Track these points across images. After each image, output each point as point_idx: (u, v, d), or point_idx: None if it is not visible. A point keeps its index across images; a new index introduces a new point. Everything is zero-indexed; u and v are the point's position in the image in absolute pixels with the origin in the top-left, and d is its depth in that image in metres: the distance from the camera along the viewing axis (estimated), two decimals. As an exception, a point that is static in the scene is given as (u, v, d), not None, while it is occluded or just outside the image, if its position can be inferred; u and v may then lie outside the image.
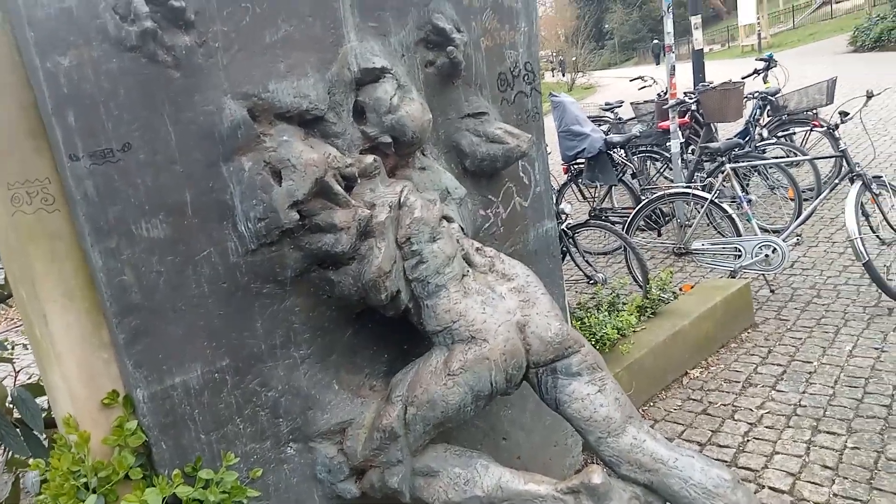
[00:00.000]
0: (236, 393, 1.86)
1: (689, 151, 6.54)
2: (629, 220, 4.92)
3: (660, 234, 5.98)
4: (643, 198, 5.95)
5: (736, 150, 4.71)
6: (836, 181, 4.18)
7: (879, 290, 4.13)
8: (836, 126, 4.22)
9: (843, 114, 4.20)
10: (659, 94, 8.69)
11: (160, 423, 1.72)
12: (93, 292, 1.63)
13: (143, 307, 1.66)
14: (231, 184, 1.74)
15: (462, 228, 2.12)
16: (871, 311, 4.03)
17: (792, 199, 5.55)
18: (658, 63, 27.84)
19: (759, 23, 26.24)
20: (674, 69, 5.54)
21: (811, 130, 4.58)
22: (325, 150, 1.84)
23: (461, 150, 2.27)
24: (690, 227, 5.68)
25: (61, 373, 1.63)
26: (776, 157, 5.63)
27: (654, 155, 6.77)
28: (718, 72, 10.67)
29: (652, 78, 9.32)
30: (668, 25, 5.35)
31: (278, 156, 1.76)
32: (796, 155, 5.83)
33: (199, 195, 1.71)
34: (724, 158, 4.66)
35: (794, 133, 6.57)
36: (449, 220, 2.04)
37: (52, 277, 1.58)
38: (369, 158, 1.90)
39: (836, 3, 30.54)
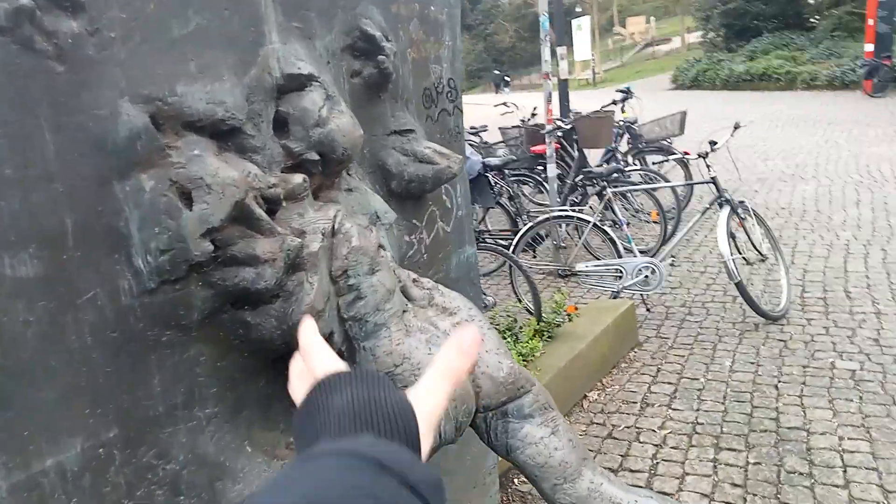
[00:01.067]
0: (126, 471, 1.48)
1: (558, 176, 6.75)
2: (515, 242, 4.92)
3: (534, 256, 6.08)
4: (519, 220, 6.04)
5: (616, 174, 4.88)
6: (707, 206, 4.44)
7: (744, 307, 4.43)
8: (707, 154, 4.50)
9: (712, 143, 4.49)
10: (522, 120, 8.98)
11: (27, 520, 1.31)
12: (-70, 353, 1.21)
13: (5, 369, 1.26)
14: (126, 207, 1.39)
15: (392, 257, 1.89)
16: (739, 326, 4.30)
17: (655, 222, 5.89)
18: (497, 91, 29.26)
19: (592, 59, 28.42)
20: (550, 96, 5.68)
21: (684, 158, 4.86)
22: (245, 167, 1.54)
23: (387, 169, 2.04)
24: (565, 248, 5.84)
25: None
26: (645, 182, 5.95)
27: (525, 178, 6.92)
28: (574, 102, 11.28)
29: (514, 104, 9.62)
30: (546, 54, 5.48)
31: (188, 173, 1.43)
32: (657, 180, 6.21)
33: (84, 221, 1.34)
34: (604, 183, 4.81)
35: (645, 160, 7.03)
36: (382, 248, 1.80)
37: None
38: (298, 178, 1.62)
39: (657, 45, 33.91)
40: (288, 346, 1.64)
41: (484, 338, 1.79)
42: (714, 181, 4.35)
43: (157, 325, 1.49)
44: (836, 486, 2.61)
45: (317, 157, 1.70)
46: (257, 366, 1.73)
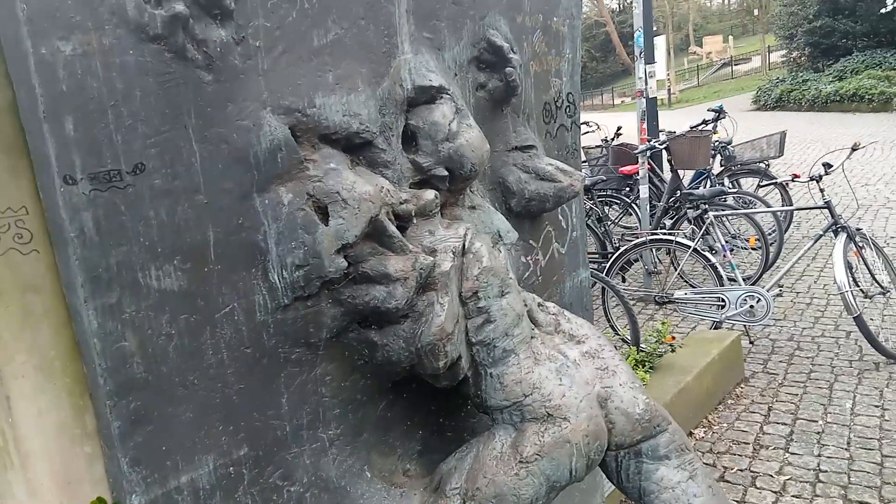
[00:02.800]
0: (253, 491, 1.43)
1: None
2: (609, 265, 4.74)
3: (624, 280, 5.86)
4: (608, 243, 5.85)
5: (718, 197, 4.65)
6: (821, 232, 4.16)
7: (860, 343, 4.10)
8: (821, 177, 4.23)
9: (827, 165, 4.21)
10: (605, 139, 8.78)
11: (159, 539, 1.27)
12: (77, 365, 1.19)
13: (147, 383, 1.23)
14: (266, 221, 1.36)
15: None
16: (857, 364, 3.97)
17: (754, 248, 5.58)
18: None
19: (668, 78, 27.83)
20: (644, 114, 5.51)
21: (793, 180, 4.59)
22: (378, 181, 1.49)
23: (507, 187, 1.96)
24: (657, 273, 5.60)
25: (26, 479, 1.17)
26: (746, 207, 5.66)
27: (612, 200, 6.73)
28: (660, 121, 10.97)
29: (596, 123, 9.43)
30: (639, 71, 5.32)
31: (325, 187, 1.39)
32: (754, 204, 5.90)
33: (226, 234, 1.31)
34: (706, 206, 4.58)
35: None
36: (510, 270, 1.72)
37: (22, 345, 1.13)
38: (430, 194, 1.56)
39: (736, 64, 32.86)
40: (413, 368, 1.57)
41: (616, 370, 1.67)
42: (828, 206, 4.07)
43: (289, 341, 1.44)
44: None
45: (445, 173, 1.64)
46: (378, 388, 1.67)
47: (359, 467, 1.64)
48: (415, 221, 1.55)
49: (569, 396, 1.56)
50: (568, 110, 2.21)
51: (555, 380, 1.58)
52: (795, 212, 6.45)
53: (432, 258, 1.49)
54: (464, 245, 1.56)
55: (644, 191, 5.46)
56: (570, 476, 1.56)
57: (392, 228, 1.47)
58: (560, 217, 2.23)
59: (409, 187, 1.61)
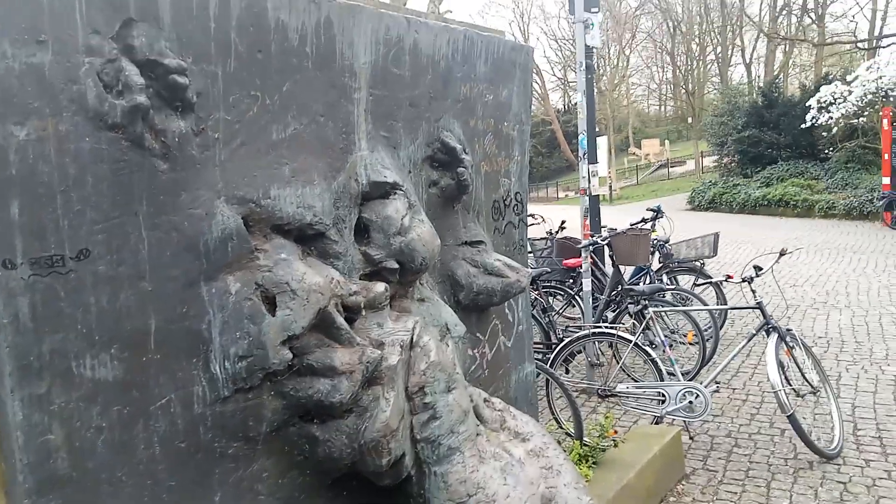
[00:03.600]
0: None
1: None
2: (552, 357, 4.77)
3: (567, 372, 5.89)
4: (552, 334, 5.92)
5: (657, 294, 4.80)
6: (754, 332, 4.32)
7: (794, 441, 4.19)
8: (752, 279, 4.44)
9: (757, 268, 4.43)
10: (549, 232, 9.06)
11: None
12: (-5, 458, 1.12)
13: (71, 480, 1.16)
14: (211, 310, 1.34)
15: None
16: (792, 463, 4.04)
17: (692, 343, 5.73)
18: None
19: (609, 176, 29.17)
20: (587, 211, 5.73)
21: (726, 280, 4.80)
22: (328, 272, 1.50)
23: (456, 280, 1.99)
24: (602, 365, 5.67)
25: (-79, 587, 1.06)
26: (682, 304, 5.85)
27: (555, 291, 6.86)
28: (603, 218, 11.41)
29: (541, 216, 9.73)
30: (583, 170, 5.58)
31: (274, 277, 1.39)
32: (690, 301, 6.11)
33: (168, 323, 1.28)
34: (646, 301, 4.72)
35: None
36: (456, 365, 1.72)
37: (-64, 437, 1.06)
38: (379, 286, 1.57)
39: (672, 166, 34.86)
40: (354, 465, 1.53)
41: (561, 469, 1.66)
42: (760, 306, 4.25)
43: (226, 435, 1.39)
44: None
45: (396, 266, 1.66)
46: (318, 485, 1.60)
47: (292, 572, 1.55)
48: (364, 313, 1.55)
49: (513, 497, 1.54)
50: (516, 208, 2.29)
51: (499, 479, 1.56)
52: (730, 310, 6.70)
53: (380, 351, 1.49)
54: (412, 338, 1.57)
55: (587, 284, 5.60)
56: (513, 583, 1.51)
57: (340, 320, 1.47)
58: (507, 311, 2.27)
59: (360, 279, 1.63)
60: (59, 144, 1.11)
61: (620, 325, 5.31)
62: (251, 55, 1.39)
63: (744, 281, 4.43)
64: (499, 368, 2.23)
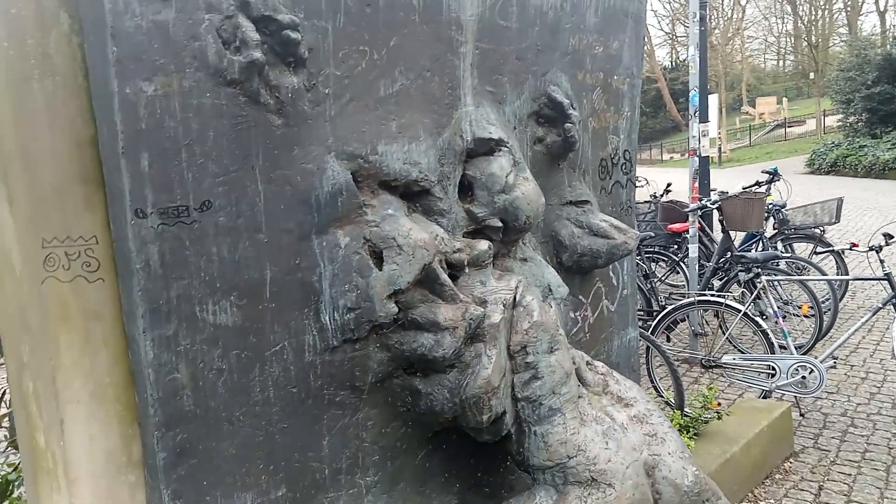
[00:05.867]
0: (287, 533, 1.41)
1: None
2: (654, 324, 4.63)
3: (668, 340, 5.71)
4: (653, 301, 5.73)
5: (772, 262, 4.53)
6: (880, 305, 3.99)
7: (921, 424, 3.89)
8: (881, 247, 4.09)
9: (888, 236, 4.07)
10: (654, 195, 8.70)
11: (191, 576, 1.26)
12: (130, 394, 1.22)
13: (195, 417, 1.24)
14: (322, 262, 1.37)
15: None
16: (917, 446, 3.75)
17: (807, 316, 5.39)
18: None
19: (719, 137, 27.52)
20: (697, 173, 5.45)
21: (851, 249, 4.45)
22: (433, 229, 1.50)
23: (560, 241, 1.95)
24: (706, 335, 5.45)
25: (70, 502, 1.18)
26: (798, 273, 5.49)
27: (659, 257, 6.62)
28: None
29: (645, 178, 9.36)
30: (693, 129, 5.29)
31: (381, 233, 1.41)
32: (807, 270, 5.72)
33: (283, 274, 1.33)
34: (758, 270, 4.46)
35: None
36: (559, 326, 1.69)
37: (81, 371, 1.16)
38: (483, 244, 1.56)
39: (789, 126, 32.40)
40: (455, 420, 1.55)
41: (666, 437, 1.61)
42: (889, 278, 3.91)
43: (334, 383, 1.44)
44: None
45: (499, 224, 1.64)
46: (419, 437, 1.64)
47: (394, 517, 1.61)
48: (467, 271, 1.55)
49: (615, 462, 1.51)
50: (624, 167, 2.20)
51: (601, 443, 1.53)
52: (851, 281, 6.23)
53: (483, 309, 1.49)
54: (515, 297, 1.55)
55: (693, 250, 5.35)
56: (613, 546, 1.50)
57: (444, 277, 1.47)
58: (611, 274, 2.20)
59: (463, 236, 1.62)
60: (183, 100, 1.16)
61: (728, 294, 5.06)
62: (360, 10, 1.38)
63: (871, 250, 4.09)
64: (601, 332, 2.18)
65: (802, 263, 5.82)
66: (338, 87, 1.38)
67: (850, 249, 4.44)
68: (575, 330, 2.09)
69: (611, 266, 2.19)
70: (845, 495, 3.31)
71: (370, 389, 1.50)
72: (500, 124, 1.69)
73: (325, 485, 1.46)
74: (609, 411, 1.63)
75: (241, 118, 1.24)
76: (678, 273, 6.60)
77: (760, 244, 6.09)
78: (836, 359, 4.19)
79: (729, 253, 5.56)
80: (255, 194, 1.28)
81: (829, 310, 5.39)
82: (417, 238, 1.42)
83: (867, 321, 4.14)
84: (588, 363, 1.73)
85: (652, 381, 4.44)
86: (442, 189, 1.56)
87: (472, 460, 1.79)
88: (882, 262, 4.06)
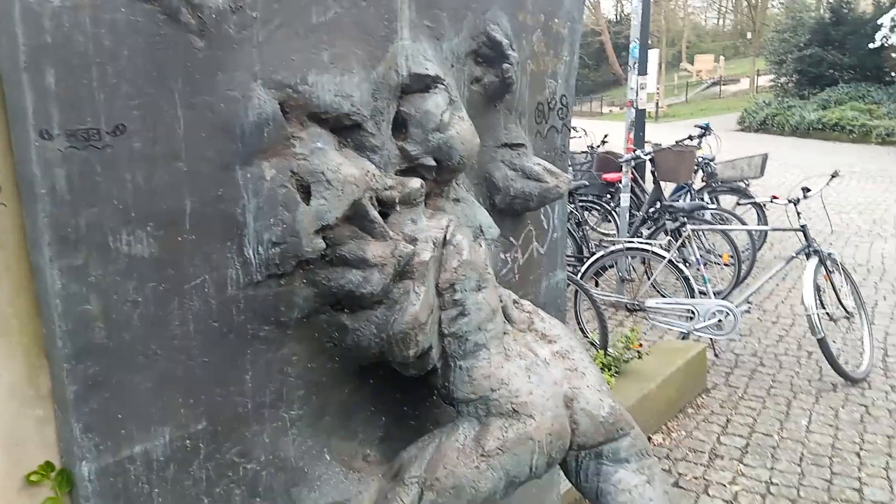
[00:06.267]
0: (209, 466, 1.42)
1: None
2: (584, 269, 4.78)
3: (597, 285, 5.90)
4: (584, 248, 5.89)
5: (698, 211, 4.70)
6: (794, 254, 4.22)
7: (821, 364, 4.19)
8: (798, 200, 4.30)
9: (805, 189, 4.28)
10: (591, 146, 8.83)
11: (108, 507, 1.25)
12: (36, 325, 1.17)
13: (108, 349, 1.21)
14: (245, 194, 1.33)
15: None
16: (816, 385, 4.06)
17: (727, 264, 5.66)
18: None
19: (657, 92, 27.94)
20: (632, 125, 5.54)
21: (771, 201, 4.65)
22: (364, 165, 1.47)
23: (493, 183, 1.96)
24: (630, 281, 5.66)
25: (-25, 435, 1.14)
26: (722, 224, 5.73)
27: (592, 205, 6.77)
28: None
29: (583, 129, 9.47)
30: (632, 81, 5.35)
31: (310, 166, 1.37)
32: (730, 221, 5.98)
33: (203, 205, 1.29)
34: (685, 219, 4.63)
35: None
36: (487, 264, 1.71)
37: (-18, 300, 1.10)
38: (415, 182, 1.55)
39: (724, 85, 33.16)
40: (381, 355, 1.56)
41: (585, 371, 1.68)
42: (804, 230, 4.14)
43: (258, 318, 1.42)
44: (931, 575, 2.39)
45: (433, 163, 1.63)
46: (344, 372, 1.65)
47: (318, 449, 1.63)
48: (398, 209, 1.54)
49: (536, 394, 1.57)
50: (560, 112, 2.20)
51: (524, 377, 1.58)
52: (770, 232, 6.55)
53: (412, 247, 1.48)
54: (445, 236, 1.55)
55: (625, 199, 5.51)
56: (530, 472, 1.57)
57: (374, 213, 1.46)
58: (542, 217, 2.23)
59: (395, 174, 1.60)
60: (94, 13, 1.08)
61: (656, 242, 5.24)
62: (290, -73, 1.31)
63: (790, 202, 4.30)
64: (530, 274, 2.22)
65: (726, 215, 6.07)
66: (266, 11, 1.31)
67: (771, 202, 4.66)
68: (505, 271, 2.12)
69: (542, 210, 2.22)
70: (749, 427, 3.57)
71: (295, 325, 1.49)
72: (438, 61, 1.65)
73: (248, 418, 1.46)
74: (533, 347, 1.68)
75: (158, 37, 1.17)
76: (610, 222, 6.79)
77: (689, 195, 6.31)
78: (751, 304, 4.44)
79: (658, 203, 5.75)
80: (173, 120, 1.22)
81: (748, 259, 5.68)
82: (347, 173, 1.39)
83: (781, 269, 4.40)
84: (515, 302, 1.77)
85: (579, 323, 4.61)
86: (375, 125, 1.53)
87: (398, 395, 1.82)
88: (799, 214, 4.29)
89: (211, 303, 1.34)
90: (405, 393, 1.84)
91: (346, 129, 1.49)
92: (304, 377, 1.57)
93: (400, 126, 1.61)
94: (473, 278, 1.55)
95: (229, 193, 1.31)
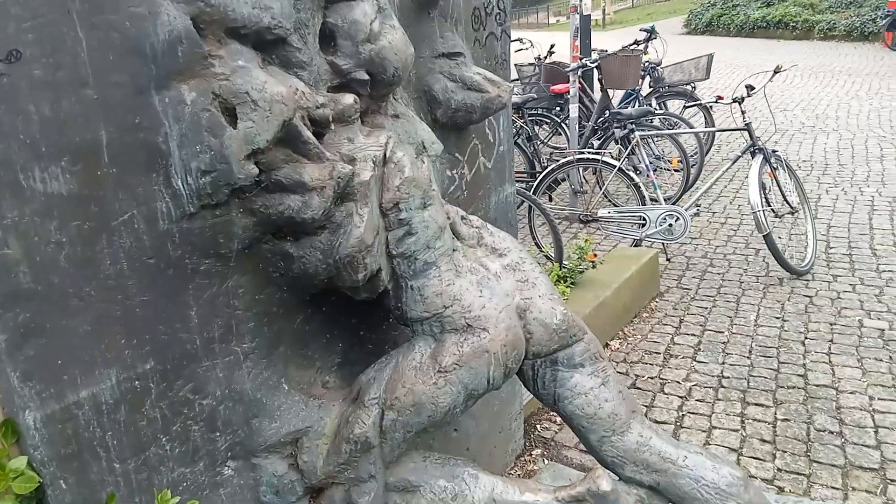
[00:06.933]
0: (163, 405, 1.39)
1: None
2: (536, 184, 4.77)
3: (551, 199, 5.93)
4: (536, 162, 5.87)
5: (645, 118, 4.69)
6: (739, 154, 4.28)
7: (767, 261, 4.34)
8: (742, 99, 4.31)
9: (749, 87, 4.29)
10: (538, 57, 8.65)
11: (59, 454, 1.22)
12: (-45, 273, 1.09)
13: (36, 294, 1.15)
14: (166, 121, 1.25)
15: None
16: (763, 280, 4.22)
17: (676, 169, 5.72)
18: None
19: (603, -1, 27.39)
20: (577, 32, 5.42)
21: (716, 102, 4.66)
22: (292, 83, 1.39)
23: (433, 96, 1.89)
24: (583, 192, 5.69)
25: None
26: (671, 128, 5.75)
27: (542, 119, 6.70)
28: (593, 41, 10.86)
29: (529, 41, 9.26)
30: (575, -15, 5.20)
31: (233, 87, 1.28)
32: (679, 125, 6.00)
33: (121, 134, 1.20)
34: (632, 126, 4.62)
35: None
36: (432, 181, 1.67)
37: None
38: (348, 98, 1.48)
39: (671, -13, 32.64)
40: (331, 281, 1.53)
41: (536, 282, 1.68)
42: (748, 128, 4.18)
43: (196, 252, 1.37)
44: (868, 447, 2.56)
45: (366, 77, 1.55)
46: (295, 301, 1.62)
47: (275, 380, 1.62)
48: (333, 128, 1.47)
49: (488, 308, 1.57)
50: (498, 18, 2.12)
51: (475, 292, 1.58)
52: (717, 135, 6.63)
53: (351, 167, 1.43)
54: (385, 154, 1.50)
55: (574, 110, 5.45)
56: (488, 385, 1.59)
57: (307, 134, 1.39)
58: (487, 130, 2.18)
59: (328, 91, 1.52)
60: (-40, -78, 0.95)
61: (606, 152, 5.25)
62: None
63: (734, 101, 4.32)
64: (478, 189, 2.19)
65: (675, 119, 6.09)
66: (163, -86, 1.18)
67: (716, 102, 4.68)
68: (453, 188, 2.09)
69: (487, 123, 2.17)
70: (701, 325, 3.71)
71: (237, 256, 1.44)
72: (362, -35, 1.54)
73: (198, 355, 1.43)
74: (483, 262, 1.67)
75: (44, -51, 1.05)
76: (561, 135, 6.75)
77: (637, 102, 6.29)
78: (699, 206, 4.53)
79: (607, 112, 5.72)
80: (75, 43, 1.11)
81: (697, 163, 5.75)
82: (274, 92, 1.31)
83: (727, 170, 4.47)
84: (463, 217, 1.74)
85: (534, 238, 4.64)
86: (300, 38, 1.43)
87: (353, 320, 1.81)
88: (743, 113, 4.32)
89: (143, 239, 1.28)
90: (361, 318, 1.83)
91: (269, 45, 1.39)
92: (252, 309, 1.53)
93: (328, 39, 1.52)
94: (417, 196, 1.52)
95: (148, 121, 1.22)
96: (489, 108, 1.95)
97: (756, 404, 2.91)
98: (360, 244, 1.44)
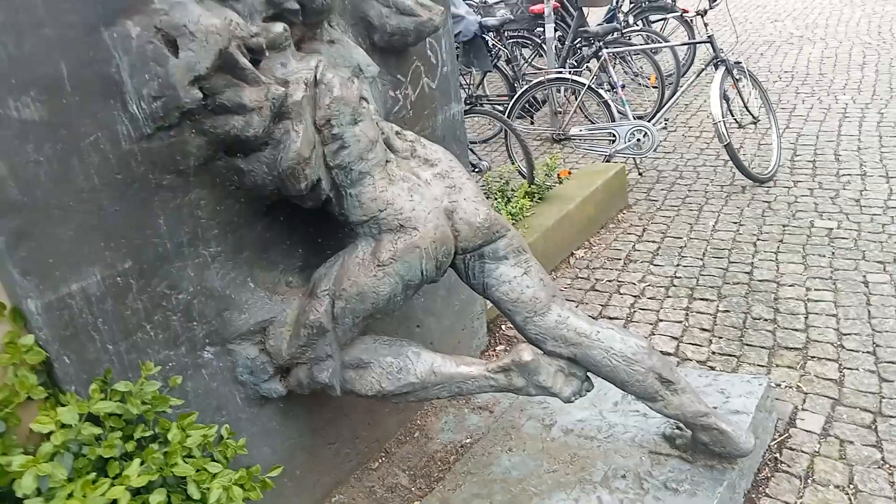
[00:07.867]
0: (143, 298, 1.66)
1: (558, 37, 6.57)
2: (510, 106, 4.92)
3: (532, 122, 6.07)
4: (517, 85, 5.97)
5: (613, 35, 4.78)
6: (703, 66, 4.40)
7: (734, 171, 4.52)
8: (705, 11, 4.39)
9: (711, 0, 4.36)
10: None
11: (60, 335, 1.50)
12: (-47, 189, 1.34)
13: (24, 205, 1.40)
14: (116, 54, 1.46)
15: (376, 110, 1.97)
16: (727, 189, 4.41)
17: (654, 87, 5.82)
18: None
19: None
20: (551, -50, 5.42)
21: (682, 15, 4.73)
22: (226, 14, 1.58)
23: (369, 22, 2.07)
24: (564, 113, 5.82)
25: (-76, 288, 1.35)
26: (645, 44, 5.81)
27: (524, 40, 6.74)
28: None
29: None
30: None
31: (171, 20, 1.49)
32: (658, 41, 6.06)
33: (78, 67, 1.42)
34: (600, 43, 4.72)
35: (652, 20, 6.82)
36: (365, 100, 1.88)
37: None
38: (278, 27, 1.67)
39: None
40: (279, 192, 1.77)
41: (463, 187, 1.91)
42: (710, 40, 4.27)
43: (158, 169, 1.61)
44: (797, 330, 2.83)
45: (296, 7, 1.74)
46: (254, 211, 1.87)
47: (242, 279, 1.88)
48: (267, 55, 1.67)
49: (418, 210, 1.80)
50: (433, -57, 2.26)
51: (406, 197, 1.81)
52: (698, 50, 6.65)
53: (284, 88, 1.64)
54: (315, 76, 1.71)
55: (549, 30, 5.52)
56: (422, 276, 1.84)
57: (244, 61, 1.59)
58: (429, 52, 2.36)
59: (262, 21, 1.71)
60: None
61: (581, 71, 5.35)
62: None
63: (697, 14, 4.40)
64: (424, 109, 2.39)
65: (655, 36, 6.13)
66: None
67: (682, 16, 4.75)
68: (398, 108, 2.29)
69: (428, 45, 2.35)
70: (662, 233, 3.95)
71: (195, 172, 1.68)
72: None
73: (170, 256, 1.69)
74: (416, 171, 1.90)
75: None
76: (543, 56, 6.80)
77: (614, 20, 6.31)
78: (668, 120, 4.67)
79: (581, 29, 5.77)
80: (29, -11, 1.32)
81: (673, 81, 5.84)
82: (209, 24, 1.51)
83: (691, 83, 4.59)
84: (398, 133, 1.96)
85: (510, 156, 4.83)
86: (233, -27, 1.62)
87: (311, 229, 2.06)
88: (706, 25, 4.40)
89: (110, 157, 1.52)
90: (318, 227, 2.08)
91: (206, -18, 1.58)
92: (215, 218, 1.78)
93: (260, -27, 1.70)
94: (348, 113, 1.73)
95: (101, 54, 1.44)
96: (422, 32, 2.13)
97: (701, 299, 3.18)
98: (299, 157, 1.67)
